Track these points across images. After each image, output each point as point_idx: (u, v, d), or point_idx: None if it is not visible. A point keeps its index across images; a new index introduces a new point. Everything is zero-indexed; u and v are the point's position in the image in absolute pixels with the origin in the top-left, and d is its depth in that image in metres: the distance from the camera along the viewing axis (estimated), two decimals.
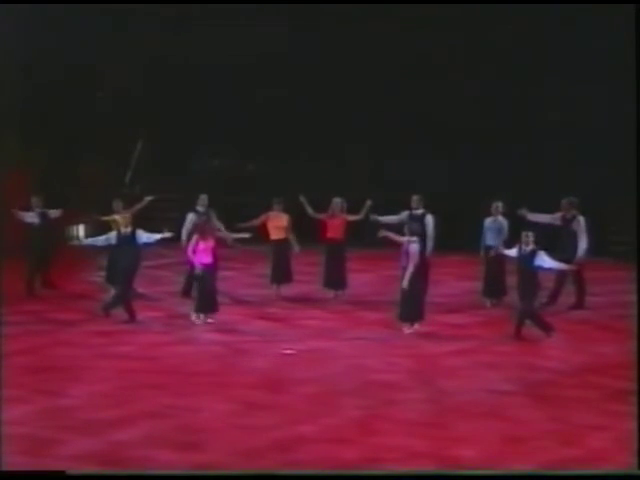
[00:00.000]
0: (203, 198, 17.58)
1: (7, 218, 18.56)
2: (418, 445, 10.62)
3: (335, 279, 17.56)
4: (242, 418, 11.42)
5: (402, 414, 11.69)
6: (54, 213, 18.17)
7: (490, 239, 16.77)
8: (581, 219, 16.78)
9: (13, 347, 14.19)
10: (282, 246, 17.55)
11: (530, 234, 15.37)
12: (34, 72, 22.94)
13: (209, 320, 15.91)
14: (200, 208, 17.47)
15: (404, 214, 17.12)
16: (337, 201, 17.51)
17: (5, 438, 10.44)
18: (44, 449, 10.37)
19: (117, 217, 16.96)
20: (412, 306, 15.45)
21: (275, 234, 17.54)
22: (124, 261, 15.90)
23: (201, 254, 15.76)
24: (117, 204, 17.37)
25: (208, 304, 15.88)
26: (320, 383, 12.91)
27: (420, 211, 17.08)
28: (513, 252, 15.61)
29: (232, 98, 24.78)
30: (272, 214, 17.57)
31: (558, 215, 17.00)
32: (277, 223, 17.51)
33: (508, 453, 10.43)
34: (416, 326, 15.57)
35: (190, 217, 17.42)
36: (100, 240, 16.50)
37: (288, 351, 14.51)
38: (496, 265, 16.62)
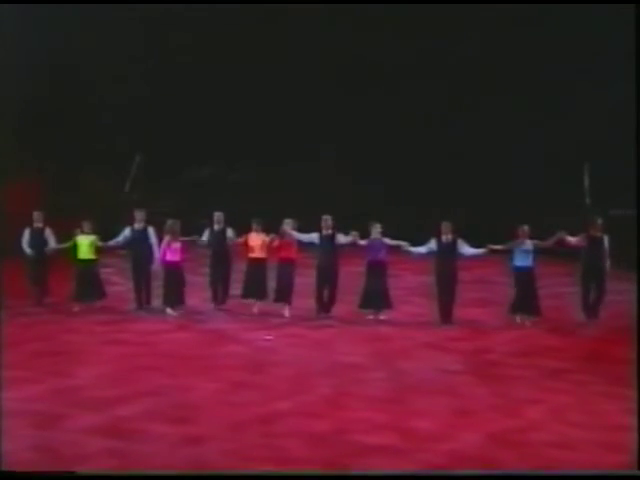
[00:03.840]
0: (219, 215, 16.87)
1: (7, 219, 18.66)
2: (380, 418, 10.77)
3: (284, 295, 16.52)
4: (228, 396, 11.55)
5: (366, 391, 11.81)
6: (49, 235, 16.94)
7: (519, 260, 15.83)
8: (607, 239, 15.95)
9: (27, 334, 14.44)
10: (257, 265, 16.60)
11: (448, 224, 15.52)
12: (36, 81, 22.53)
13: (176, 312, 16.34)
14: (216, 225, 16.83)
15: (314, 235, 16.21)
16: (287, 222, 16.37)
17: (20, 413, 10.56)
18: (54, 423, 10.50)
19: (78, 239, 16.59)
20: (374, 296, 15.89)
21: (252, 252, 16.62)
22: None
23: (172, 253, 16.38)
24: (87, 225, 16.70)
25: (179, 297, 16.46)
26: (295, 365, 13.02)
27: (329, 231, 16.21)
28: (432, 245, 15.65)
29: (227, 104, 24.48)
30: (252, 235, 16.67)
31: (583, 235, 15.88)
32: (255, 242, 16.64)
33: (458, 424, 10.57)
34: (379, 314, 15.98)
35: (206, 234, 16.90)
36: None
37: (268, 337, 14.76)
38: (527, 283, 15.79)
